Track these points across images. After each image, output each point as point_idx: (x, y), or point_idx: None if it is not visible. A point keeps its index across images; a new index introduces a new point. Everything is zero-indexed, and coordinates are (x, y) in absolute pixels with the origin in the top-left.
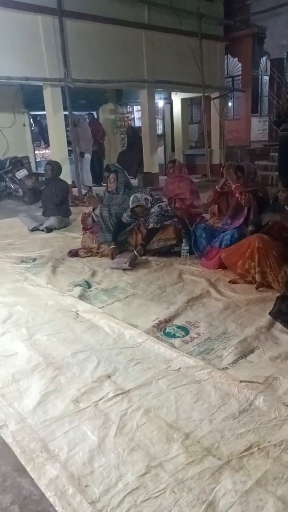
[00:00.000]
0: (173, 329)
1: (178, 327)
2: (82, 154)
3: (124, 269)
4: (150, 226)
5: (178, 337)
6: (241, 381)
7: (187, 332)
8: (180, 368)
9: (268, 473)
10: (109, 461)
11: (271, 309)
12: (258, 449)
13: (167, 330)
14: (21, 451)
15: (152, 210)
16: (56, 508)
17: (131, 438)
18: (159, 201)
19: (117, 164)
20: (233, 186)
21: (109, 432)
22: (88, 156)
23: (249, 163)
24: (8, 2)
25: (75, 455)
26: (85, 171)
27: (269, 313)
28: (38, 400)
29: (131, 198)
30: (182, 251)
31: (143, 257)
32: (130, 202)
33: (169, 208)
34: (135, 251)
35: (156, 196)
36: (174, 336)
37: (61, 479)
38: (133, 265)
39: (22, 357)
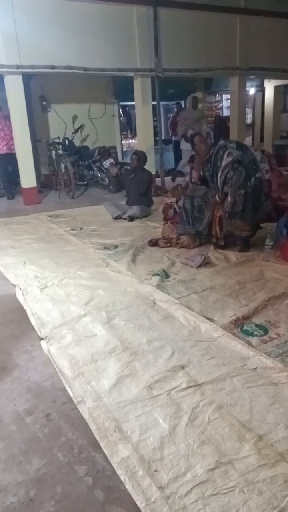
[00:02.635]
0: (251, 327)
1: (257, 325)
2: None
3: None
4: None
5: (256, 335)
6: None
7: (266, 331)
8: (257, 368)
9: None
10: (179, 451)
11: None
12: None
13: (245, 327)
14: (96, 428)
15: (224, 162)
16: (127, 487)
17: (202, 431)
18: (225, 148)
19: None
20: None
21: (180, 422)
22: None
23: None
24: None
25: (146, 439)
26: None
27: None
28: (114, 381)
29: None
30: (265, 246)
31: (221, 251)
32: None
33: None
34: (204, 256)
35: (225, 143)
36: (251, 334)
37: (132, 460)
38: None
39: (101, 339)
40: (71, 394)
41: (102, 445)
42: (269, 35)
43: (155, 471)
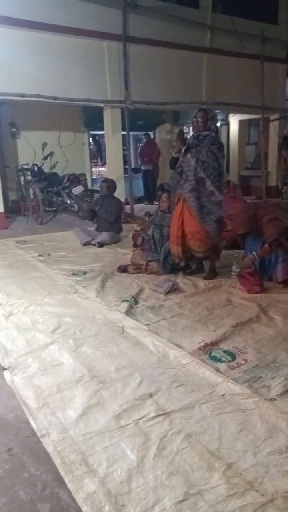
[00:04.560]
0: (219, 353)
1: (225, 351)
2: None
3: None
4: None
5: (224, 361)
6: None
7: (233, 357)
8: (225, 394)
9: None
10: (147, 483)
11: None
12: None
13: (213, 353)
14: (61, 462)
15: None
16: None
17: (170, 462)
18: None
19: (170, 184)
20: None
21: (148, 452)
22: None
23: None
24: (77, 30)
25: (114, 472)
26: None
27: None
28: (80, 412)
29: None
30: (232, 273)
31: (190, 277)
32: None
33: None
34: (173, 282)
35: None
36: (219, 360)
37: (98, 495)
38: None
39: (68, 368)
40: (35, 426)
41: (66, 480)
42: (234, 73)
43: (122, 505)
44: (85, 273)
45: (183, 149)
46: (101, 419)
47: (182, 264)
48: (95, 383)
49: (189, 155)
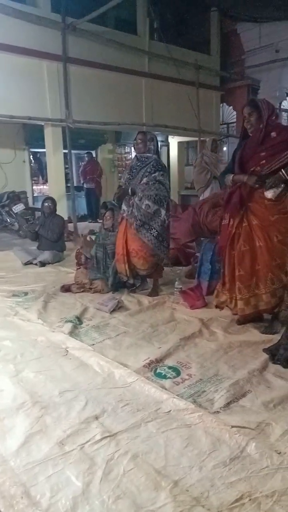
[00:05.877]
0: (164, 369)
1: (169, 367)
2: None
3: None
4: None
5: (169, 378)
6: (232, 426)
7: (178, 373)
8: (170, 410)
9: None
10: (93, 509)
11: (263, 351)
12: (250, 500)
13: (158, 370)
14: (0, 497)
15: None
16: None
17: (117, 485)
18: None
19: (113, 202)
20: None
21: (94, 477)
22: None
23: None
24: (16, 48)
25: (58, 502)
26: None
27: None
28: (22, 441)
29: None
30: (175, 289)
31: (134, 295)
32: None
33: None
34: (118, 300)
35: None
36: (165, 377)
37: None
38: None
39: (8, 394)
40: None
41: None
42: (171, 97)
43: None
44: (26, 293)
45: (129, 191)
46: (44, 447)
47: (131, 281)
48: (37, 409)
49: (136, 199)
